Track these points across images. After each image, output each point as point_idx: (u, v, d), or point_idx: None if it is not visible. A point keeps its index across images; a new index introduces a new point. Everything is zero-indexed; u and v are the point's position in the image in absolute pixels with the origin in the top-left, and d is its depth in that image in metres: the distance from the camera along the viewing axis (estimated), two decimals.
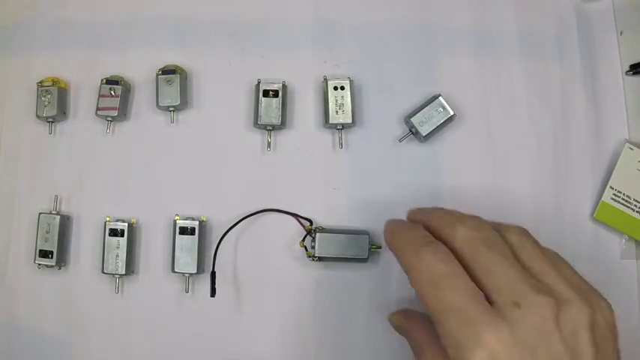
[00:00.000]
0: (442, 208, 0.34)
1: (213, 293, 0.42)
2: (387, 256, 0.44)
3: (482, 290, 0.28)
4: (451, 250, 0.30)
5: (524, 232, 0.32)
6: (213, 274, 0.43)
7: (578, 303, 0.28)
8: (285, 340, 0.44)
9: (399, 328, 0.38)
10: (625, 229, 0.45)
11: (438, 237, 0.31)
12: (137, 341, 0.44)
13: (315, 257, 0.42)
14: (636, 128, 0.46)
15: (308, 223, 0.44)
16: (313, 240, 0.43)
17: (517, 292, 0.28)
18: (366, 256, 0.42)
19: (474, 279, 0.29)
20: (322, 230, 0.43)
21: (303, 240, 0.43)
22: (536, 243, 0.32)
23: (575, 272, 0.31)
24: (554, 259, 0.32)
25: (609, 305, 0.30)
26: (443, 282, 0.28)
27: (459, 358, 0.27)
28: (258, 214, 0.44)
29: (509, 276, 0.28)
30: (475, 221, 0.31)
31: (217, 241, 0.43)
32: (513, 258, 0.30)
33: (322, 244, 0.42)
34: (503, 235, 0.31)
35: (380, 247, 0.43)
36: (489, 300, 0.28)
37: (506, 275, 0.28)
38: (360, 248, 0.42)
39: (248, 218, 0.44)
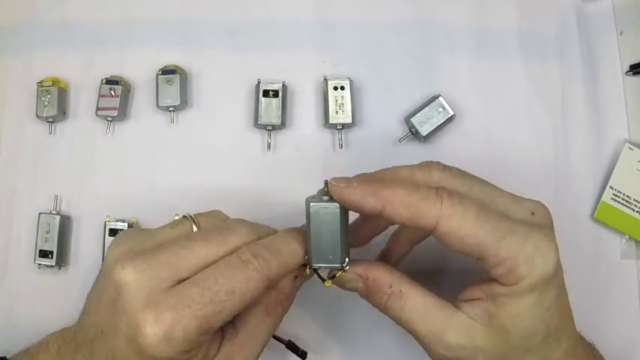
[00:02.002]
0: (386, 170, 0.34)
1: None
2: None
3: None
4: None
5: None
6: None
7: None
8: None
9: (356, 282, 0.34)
10: (625, 229, 0.45)
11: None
12: None
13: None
14: (636, 128, 0.46)
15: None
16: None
17: (522, 203, 0.32)
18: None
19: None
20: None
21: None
22: None
23: None
24: None
25: None
26: (483, 214, 0.29)
27: (536, 264, 0.29)
28: None
29: (504, 195, 0.32)
30: (437, 165, 0.34)
31: None
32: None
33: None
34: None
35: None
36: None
37: (502, 195, 0.32)
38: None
39: None
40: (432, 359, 0.33)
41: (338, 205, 0.32)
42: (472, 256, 0.30)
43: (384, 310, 0.33)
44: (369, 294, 0.33)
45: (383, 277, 0.33)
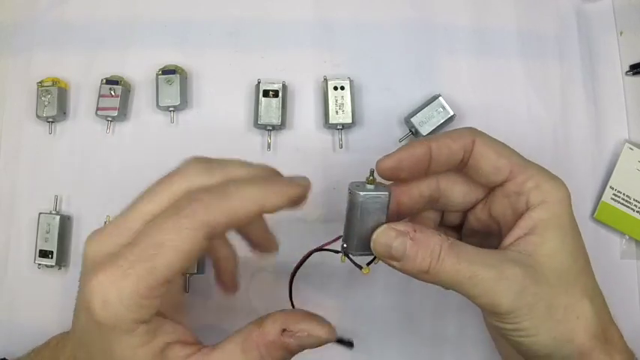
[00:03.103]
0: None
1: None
2: None
3: None
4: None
5: None
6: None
7: None
8: None
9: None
10: (625, 229, 0.45)
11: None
12: None
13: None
14: (636, 128, 0.46)
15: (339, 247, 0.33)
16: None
17: None
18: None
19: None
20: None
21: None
22: None
23: None
24: None
25: None
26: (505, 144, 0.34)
27: (556, 182, 0.32)
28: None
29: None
30: None
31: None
32: None
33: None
34: None
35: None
36: None
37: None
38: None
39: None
40: (502, 305, 0.29)
41: (388, 193, 0.31)
42: (501, 179, 0.32)
43: (438, 265, 0.29)
44: (419, 251, 0.29)
45: (426, 228, 0.30)
